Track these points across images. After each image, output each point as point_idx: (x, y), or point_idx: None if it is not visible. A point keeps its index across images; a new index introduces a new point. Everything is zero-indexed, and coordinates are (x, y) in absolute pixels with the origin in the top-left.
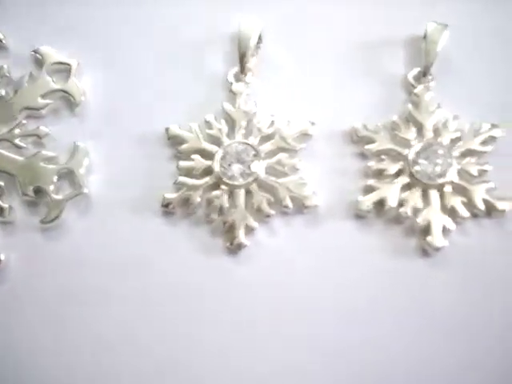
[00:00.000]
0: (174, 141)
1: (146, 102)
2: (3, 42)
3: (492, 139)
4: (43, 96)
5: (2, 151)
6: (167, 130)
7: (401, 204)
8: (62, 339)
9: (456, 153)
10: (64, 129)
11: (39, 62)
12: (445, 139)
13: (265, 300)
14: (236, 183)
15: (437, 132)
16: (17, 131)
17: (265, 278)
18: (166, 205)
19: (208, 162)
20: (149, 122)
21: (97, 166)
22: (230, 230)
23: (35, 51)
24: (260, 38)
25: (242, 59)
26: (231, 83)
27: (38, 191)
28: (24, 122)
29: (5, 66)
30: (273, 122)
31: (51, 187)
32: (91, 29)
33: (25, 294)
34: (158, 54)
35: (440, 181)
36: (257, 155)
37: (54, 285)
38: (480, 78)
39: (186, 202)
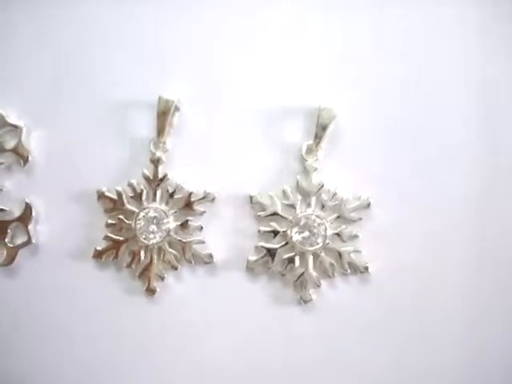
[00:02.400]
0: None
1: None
2: None
3: (366, 208)
4: None
5: None
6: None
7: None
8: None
9: (331, 220)
10: (15, 183)
11: None
12: (325, 210)
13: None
14: (151, 242)
15: (319, 202)
16: None
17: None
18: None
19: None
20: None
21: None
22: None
23: None
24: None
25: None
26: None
27: None
28: None
29: None
30: (182, 187)
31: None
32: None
33: None
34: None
35: (314, 247)
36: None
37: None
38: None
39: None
